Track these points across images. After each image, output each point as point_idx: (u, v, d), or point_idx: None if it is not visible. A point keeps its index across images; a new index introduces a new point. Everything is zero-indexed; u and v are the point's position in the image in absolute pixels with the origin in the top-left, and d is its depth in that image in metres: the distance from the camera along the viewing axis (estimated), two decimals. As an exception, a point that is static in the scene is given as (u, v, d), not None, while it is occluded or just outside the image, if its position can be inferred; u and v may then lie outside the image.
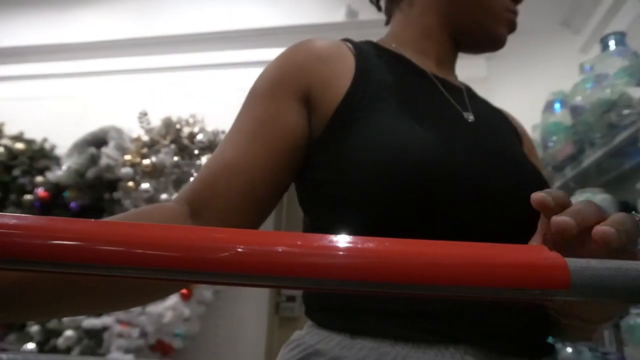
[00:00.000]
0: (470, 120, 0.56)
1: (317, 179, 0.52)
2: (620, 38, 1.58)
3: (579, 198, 1.48)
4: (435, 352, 0.43)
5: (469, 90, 0.65)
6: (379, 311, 0.45)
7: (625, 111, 1.33)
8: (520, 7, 0.65)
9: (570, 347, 1.57)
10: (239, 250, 0.20)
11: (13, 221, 0.23)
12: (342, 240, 0.21)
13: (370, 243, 0.22)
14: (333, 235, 0.22)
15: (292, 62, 0.54)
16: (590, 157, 1.60)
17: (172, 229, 0.23)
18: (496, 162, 0.51)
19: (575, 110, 1.57)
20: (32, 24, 3.12)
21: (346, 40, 0.59)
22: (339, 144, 0.50)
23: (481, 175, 0.49)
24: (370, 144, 0.47)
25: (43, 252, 0.23)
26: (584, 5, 2.20)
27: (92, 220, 0.25)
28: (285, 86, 0.52)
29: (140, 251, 0.22)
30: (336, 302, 0.48)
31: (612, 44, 1.55)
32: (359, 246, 0.21)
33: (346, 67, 0.54)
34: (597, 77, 1.42)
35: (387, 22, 0.71)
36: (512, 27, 0.63)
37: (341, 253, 0.20)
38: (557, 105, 1.76)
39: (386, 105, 0.51)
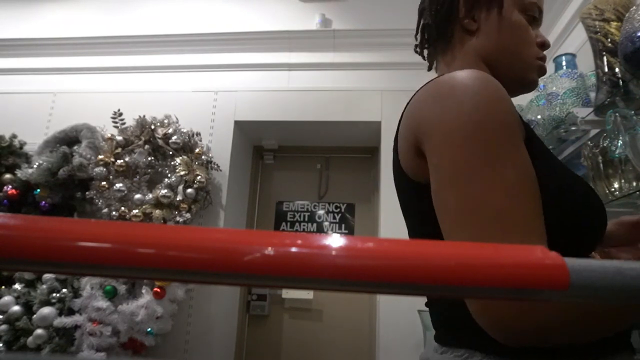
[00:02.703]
0: None
1: None
2: (571, 59, 1.72)
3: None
4: None
5: None
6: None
7: (572, 127, 1.47)
8: None
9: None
10: (266, 253, 0.23)
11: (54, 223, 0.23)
12: (341, 239, 0.23)
13: (371, 243, 0.23)
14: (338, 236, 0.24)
15: (510, 104, 0.54)
16: (543, 168, 1.74)
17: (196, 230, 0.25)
18: None
19: (529, 124, 1.71)
20: (1, 18, 3.05)
21: None
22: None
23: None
24: (556, 186, 0.53)
25: (83, 254, 0.24)
26: (542, 25, 2.35)
27: (126, 222, 0.27)
28: (520, 130, 0.53)
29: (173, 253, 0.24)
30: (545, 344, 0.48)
31: (563, 64, 1.70)
32: (359, 246, 0.23)
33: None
34: (548, 96, 1.56)
35: (430, 69, 0.80)
36: (542, 72, 0.70)
37: (343, 253, 0.23)
38: (514, 118, 1.90)
39: (543, 148, 0.58)
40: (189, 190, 2.26)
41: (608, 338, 0.51)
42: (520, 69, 0.68)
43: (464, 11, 0.71)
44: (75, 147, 2.32)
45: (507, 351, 0.49)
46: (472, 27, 0.70)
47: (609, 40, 1.27)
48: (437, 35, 0.74)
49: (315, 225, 2.86)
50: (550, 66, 2.04)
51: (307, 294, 2.65)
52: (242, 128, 2.66)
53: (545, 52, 0.72)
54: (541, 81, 1.83)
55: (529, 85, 0.70)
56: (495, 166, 0.47)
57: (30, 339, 1.93)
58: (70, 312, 1.99)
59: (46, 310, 1.97)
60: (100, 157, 2.28)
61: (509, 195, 0.46)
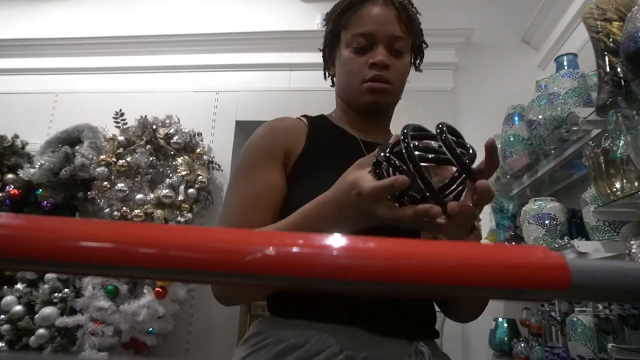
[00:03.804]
0: None
1: (283, 208, 0.74)
2: (573, 58, 1.72)
3: (532, 206, 1.61)
4: (334, 328, 0.63)
5: None
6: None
7: (574, 127, 1.47)
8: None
9: (522, 342, 1.70)
10: (267, 253, 0.23)
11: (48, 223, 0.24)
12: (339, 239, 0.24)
13: (371, 243, 0.24)
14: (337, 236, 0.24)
15: (273, 136, 0.78)
16: (544, 167, 1.74)
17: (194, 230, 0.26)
18: None
19: (530, 124, 1.70)
20: (4, 18, 3.06)
21: (305, 116, 0.84)
22: (292, 192, 0.73)
23: None
24: (307, 196, 0.69)
25: (85, 254, 0.24)
26: (543, 25, 2.35)
27: (127, 222, 0.27)
28: (274, 155, 0.76)
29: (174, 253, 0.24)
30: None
31: (565, 63, 1.69)
32: (360, 246, 0.24)
33: (301, 138, 0.77)
34: (550, 96, 1.55)
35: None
36: (370, 90, 0.77)
37: (340, 252, 0.23)
38: (515, 118, 1.89)
39: (322, 166, 0.73)
40: (191, 190, 2.27)
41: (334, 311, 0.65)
42: (352, 96, 0.80)
43: (329, 63, 0.88)
44: (77, 147, 2.32)
45: (274, 311, 0.71)
46: (332, 73, 0.88)
47: (611, 40, 1.26)
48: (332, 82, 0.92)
49: (316, 225, 2.86)
50: (551, 66, 2.04)
51: (308, 294, 2.64)
52: (244, 128, 2.66)
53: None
54: (543, 81, 1.82)
55: (366, 107, 0.79)
56: (234, 187, 0.76)
57: (32, 338, 1.94)
58: (72, 311, 2.00)
59: (48, 310, 1.97)
60: (102, 157, 2.28)
61: (235, 205, 0.74)
